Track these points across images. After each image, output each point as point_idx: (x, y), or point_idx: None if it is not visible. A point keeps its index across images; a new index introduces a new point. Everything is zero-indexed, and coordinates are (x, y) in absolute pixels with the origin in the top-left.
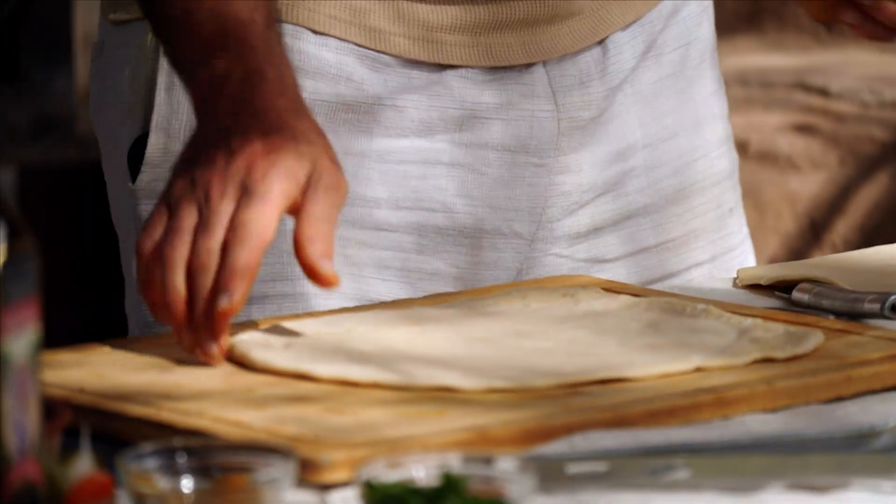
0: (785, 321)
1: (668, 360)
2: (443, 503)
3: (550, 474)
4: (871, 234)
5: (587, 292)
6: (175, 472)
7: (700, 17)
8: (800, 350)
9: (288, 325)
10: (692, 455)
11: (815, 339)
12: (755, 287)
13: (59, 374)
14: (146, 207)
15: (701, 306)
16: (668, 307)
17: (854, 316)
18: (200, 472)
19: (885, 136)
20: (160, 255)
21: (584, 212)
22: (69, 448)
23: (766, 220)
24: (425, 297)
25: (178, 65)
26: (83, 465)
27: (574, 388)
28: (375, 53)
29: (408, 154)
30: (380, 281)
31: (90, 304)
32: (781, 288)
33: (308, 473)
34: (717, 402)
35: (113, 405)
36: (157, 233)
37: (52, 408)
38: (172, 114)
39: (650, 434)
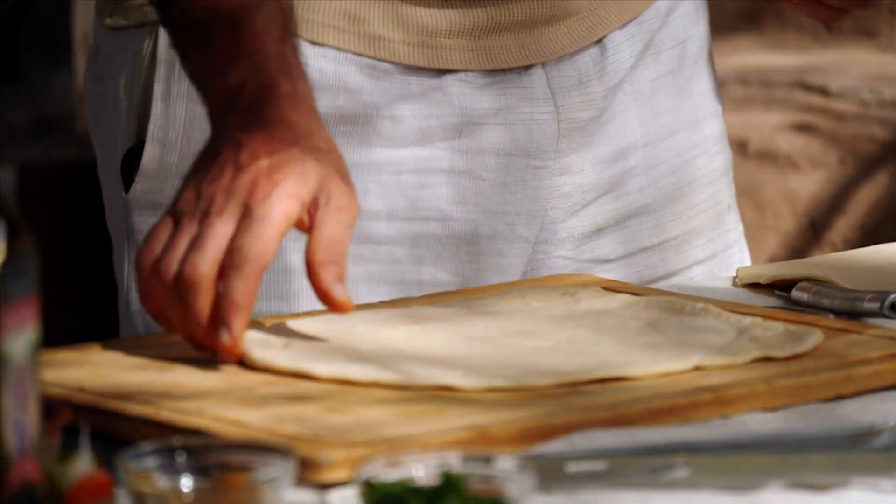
0: (784, 320)
1: (667, 358)
2: (442, 502)
3: (550, 473)
4: (870, 233)
5: (587, 291)
6: (174, 472)
7: (696, 14)
8: (799, 349)
9: (288, 324)
10: (691, 454)
11: (814, 337)
12: (754, 286)
13: (59, 373)
14: (139, 218)
15: (700, 305)
16: (667, 306)
17: (853, 315)
18: (200, 471)
19: (885, 135)
20: (156, 270)
21: (586, 213)
22: (69, 447)
23: (765, 219)
24: (425, 297)
25: (194, 77)
26: (83, 465)
27: (573, 387)
28: (374, 61)
29: (406, 164)
30: (376, 297)
31: (90, 303)
32: (781, 287)
33: (307, 472)
34: (716, 400)
35: (112, 404)
36: (157, 246)
37: (52, 407)
38: (169, 125)
39: (650, 433)
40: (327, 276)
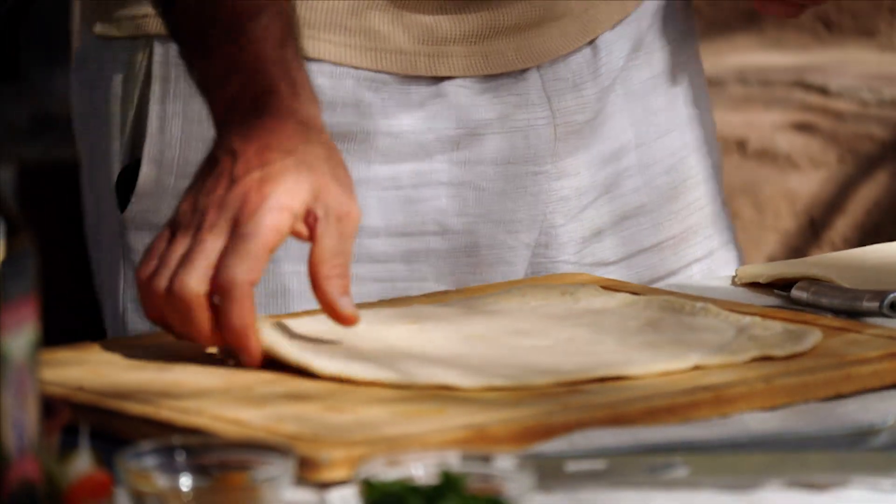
0: (784, 319)
1: (666, 358)
2: (442, 501)
3: (549, 472)
4: (870, 233)
5: (586, 290)
6: (174, 471)
7: (685, 13)
8: (798, 348)
9: (288, 323)
10: (691, 453)
11: (813, 337)
12: (754, 285)
13: (58, 372)
14: (135, 237)
15: (699, 304)
16: (666, 305)
17: (853, 314)
18: (199, 470)
19: (885, 134)
20: (149, 285)
21: (585, 215)
22: (68, 446)
23: (765, 218)
24: (424, 296)
25: (199, 86)
26: (82, 464)
27: (573, 387)
28: (373, 73)
29: (406, 178)
30: None
31: (90, 303)
32: (780, 286)
33: (307, 472)
34: (715, 400)
35: (112, 403)
36: (154, 259)
37: (51, 406)
38: (165, 145)
39: (649, 432)
40: (333, 290)
